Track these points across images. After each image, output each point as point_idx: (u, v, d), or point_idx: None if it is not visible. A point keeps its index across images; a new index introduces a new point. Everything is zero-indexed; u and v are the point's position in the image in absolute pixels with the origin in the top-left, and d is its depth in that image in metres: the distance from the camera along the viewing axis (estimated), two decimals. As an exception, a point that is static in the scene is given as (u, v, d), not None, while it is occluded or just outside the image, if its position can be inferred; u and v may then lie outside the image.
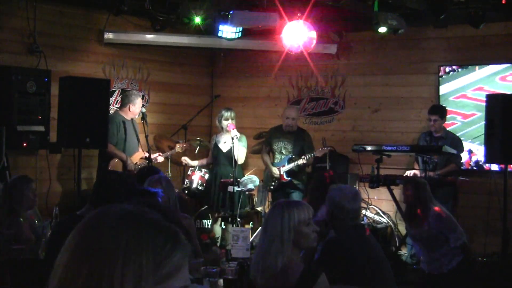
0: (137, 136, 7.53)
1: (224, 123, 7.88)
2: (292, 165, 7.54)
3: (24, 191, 4.88)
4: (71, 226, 1.09)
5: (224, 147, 8.00)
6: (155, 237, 1.03)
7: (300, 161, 7.45)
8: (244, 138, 7.94)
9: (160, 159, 7.68)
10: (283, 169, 7.61)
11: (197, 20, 6.99)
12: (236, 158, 7.43)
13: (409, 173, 7.50)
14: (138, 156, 7.47)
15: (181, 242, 1.07)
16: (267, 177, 7.84)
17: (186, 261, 1.07)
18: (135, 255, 1.00)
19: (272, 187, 7.75)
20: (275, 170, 7.67)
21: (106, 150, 7.04)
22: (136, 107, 7.50)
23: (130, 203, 1.12)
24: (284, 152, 7.73)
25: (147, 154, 7.30)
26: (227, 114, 7.91)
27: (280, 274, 3.05)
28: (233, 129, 7.53)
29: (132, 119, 7.57)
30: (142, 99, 8.69)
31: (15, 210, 4.80)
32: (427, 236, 5.22)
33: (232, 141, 7.46)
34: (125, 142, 7.36)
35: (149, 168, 6.09)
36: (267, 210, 8.25)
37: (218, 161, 8.02)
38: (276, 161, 7.77)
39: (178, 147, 7.86)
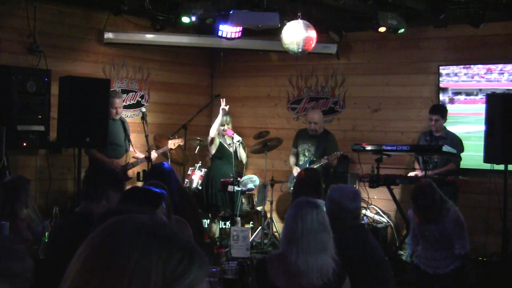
0: (127, 135, 7.40)
1: (220, 128, 7.93)
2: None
3: (28, 191, 4.93)
4: (71, 226, 1.09)
5: (230, 148, 8.04)
6: (170, 254, 1.01)
7: (318, 164, 7.49)
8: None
9: (154, 155, 7.53)
10: None
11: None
12: (240, 159, 7.50)
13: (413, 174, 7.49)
14: (130, 156, 7.36)
15: (199, 258, 1.05)
16: (291, 179, 7.89)
17: (204, 276, 1.05)
18: (144, 272, 0.98)
19: (293, 189, 7.81)
20: (296, 169, 7.74)
21: (90, 152, 6.96)
22: (113, 108, 7.20)
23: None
24: (307, 155, 7.85)
25: (140, 155, 7.30)
26: (223, 119, 7.95)
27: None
28: (232, 134, 7.59)
29: (121, 118, 7.46)
30: (142, 98, 8.70)
31: (15, 211, 4.81)
32: (439, 235, 5.24)
33: (234, 144, 7.56)
34: (111, 143, 6.98)
35: (153, 167, 5.82)
36: (267, 210, 8.27)
37: (226, 161, 8.03)
38: (300, 163, 7.90)
39: (171, 143, 7.72)
